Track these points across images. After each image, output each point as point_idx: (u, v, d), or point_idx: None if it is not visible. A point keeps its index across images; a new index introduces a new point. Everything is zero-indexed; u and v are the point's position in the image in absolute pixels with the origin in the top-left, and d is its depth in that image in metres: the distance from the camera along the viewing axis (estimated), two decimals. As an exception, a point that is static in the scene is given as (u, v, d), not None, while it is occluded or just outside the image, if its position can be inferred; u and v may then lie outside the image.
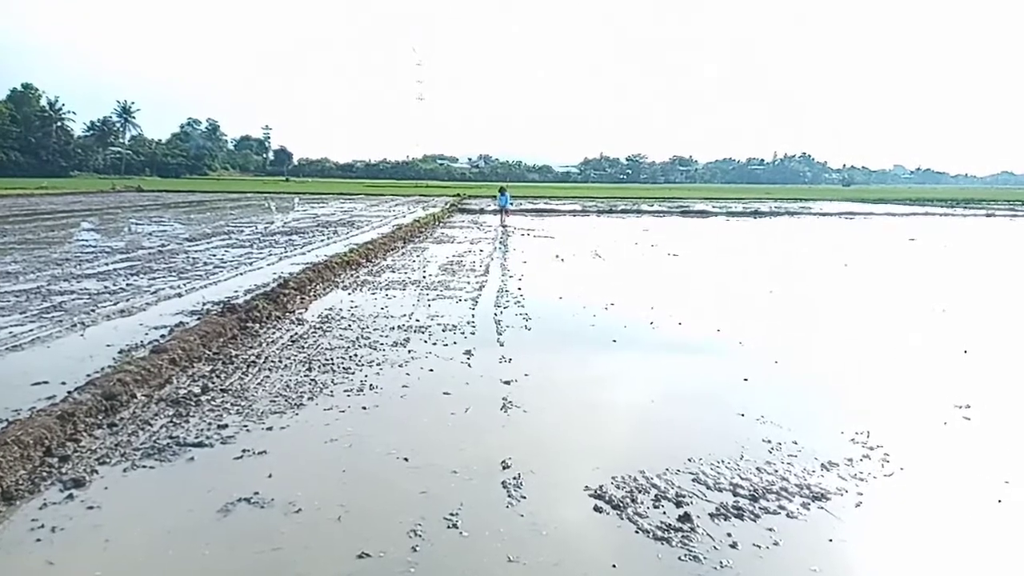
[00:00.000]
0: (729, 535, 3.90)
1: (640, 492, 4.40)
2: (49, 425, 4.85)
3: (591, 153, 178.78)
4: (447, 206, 38.54)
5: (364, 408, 5.89)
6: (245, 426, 5.39)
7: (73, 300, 10.03)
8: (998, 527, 4.20)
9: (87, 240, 19.04)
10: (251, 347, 7.73)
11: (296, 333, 8.47)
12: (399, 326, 8.96)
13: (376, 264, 15.14)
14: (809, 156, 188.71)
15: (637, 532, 3.95)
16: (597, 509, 4.21)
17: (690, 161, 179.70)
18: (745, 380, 6.92)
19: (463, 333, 8.65)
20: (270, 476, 4.55)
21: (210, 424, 5.40)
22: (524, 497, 4.32)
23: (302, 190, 64.62)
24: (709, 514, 4.14)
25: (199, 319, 8.62)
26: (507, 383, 6.62)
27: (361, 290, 11.74)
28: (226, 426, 5.37)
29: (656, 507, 4.23)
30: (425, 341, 8.22)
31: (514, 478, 4.56)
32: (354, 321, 9.24)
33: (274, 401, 5.97)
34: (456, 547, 3.76)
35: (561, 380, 6.92)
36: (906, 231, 28.39)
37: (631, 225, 29.47)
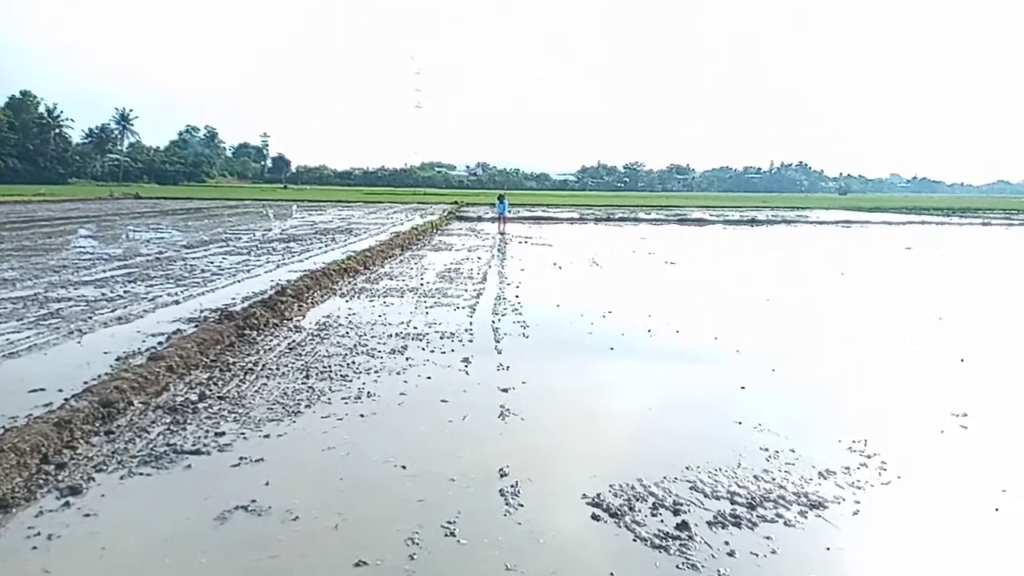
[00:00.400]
0: (727, 543, 3.90)
1: (638, 500, 4.40)
2: (46, 432, 4.84)
3: (589, 161, 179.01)
4: (445, 214, 38.58)
5: (362, 416, 5.89)
6: (242, 434, 5.38)
7: (70, 307, 10.02)
8: (995, 535, 4.21)
9: (85, 247, 19.02)
10: (248, 354, 7.72)
11: (294, 340, 8.46)
12: (397, 334, 8.96)
13: (374, 271, 15.14)
14: (806, 165, 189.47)
15: (635, 540, 3.95)
16: (595, 517, 4.20)
17: (687, 169, 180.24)
18: (742, 388, 6.93)
19: (461, 341, 8.65)
20: (267, 484, 4.54)
21: (207, 432, 5.39)
22: (522, 505, 4.31)
23: (300, 197, 64.63)
24: (707, 522, 4.14)
25: (196, 326, 8.61)
26: (505, 391, 6.62)
27: (359, 297, 11.74)
28: (223, 434, 5.36)
29: (654, 515, 4.23)
30: (423, 349, 8.22)
31: (512, 486, 4.55)
32: (352, 328, 9.24)
33: (271, 409, 5.96)
34: (454, 555, 3.76)
35: (559, 388, 6.92)
36: (902, 240, 28.48)
37: (628, 233, 29.53)
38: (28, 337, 8.14)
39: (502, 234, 26.45)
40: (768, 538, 3.98)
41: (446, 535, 3.94)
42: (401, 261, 17.33)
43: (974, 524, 4.31)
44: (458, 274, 14.77)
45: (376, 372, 7.19)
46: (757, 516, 4.23)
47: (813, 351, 8.78)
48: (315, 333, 8.91)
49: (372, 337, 8.75)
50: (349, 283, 13.31)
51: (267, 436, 5.36)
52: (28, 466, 4.56)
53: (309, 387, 6.58)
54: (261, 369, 7.15)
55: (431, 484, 4.58)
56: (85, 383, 6.19)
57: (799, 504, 4.40)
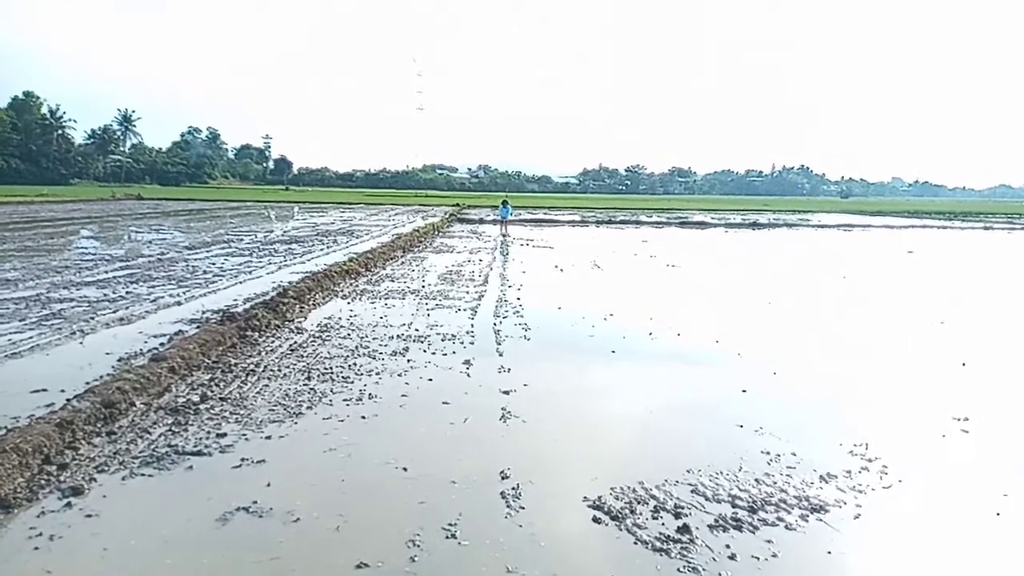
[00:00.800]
0: (728, 547, 3.90)
1: (639, 503, 4.40)
2: (48, 433, 4.85)
3: (590, 164, 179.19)
4: (446, 216, 38.61)
5: (363, 417, 5.89)
6: (244, 435, 5.39)
7: (72, 308, 10.03)
8: (997, 540, 4.20)
9: (87, 248, 19.05)
10: (250, 356, 7.73)
11: (295, 342, 8.47)
12: (398, 335, 8.97)
13: (375, 273, 15.15)
14: (807, 168, 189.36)
15: (636, 543, 3.95)
16: (596, 520, 4.21)
17: (689, 172, 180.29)
18: (744, 391, 6.93)
19: (462, 343, 8.66)
20: (269, 485, 4.55)
21: (209, 433, 5.40)
22: (523, 507, 4.32)
23: (302, 199, 64.69)
24: (708, 525, 4.14)
25: (198, 327, 8.63)
26: (506, 393, 6.62)
27: (360, 299, 11.75)
28: (225, 435, 5.37)
29: (655, 518, 4.23)
30: (424, 351, 8.23)
31: (513, 488, 4.56)
32: (353, 330, 9.24)
33: (273, 410, 5.96)
34: (455, 557, 3.76)
35: (560, 390, 6.92)
36: (904, 243, 28.47)
37: (630, 236, 29.53)
38: (30, 337, 8.16)
39: (504, 236, 26.49)
40: (769, 542, 3.98)
41: (447, 537, 3.94)
42: (403, 263, 17.34)
43: (975, 528, 4.31)
44: (459, 276, 14.77)
45: (377, 374, 7.20)
46: (758, 519, 4.23)
47: (815, 354, 8.78)
48: (317, 335, 8.92)
49: (374, 339, 8.76)
50: (351, 285, 13.32)
51: (269, 437, 5.37)
52: (30, 466, 4.57)
53: (311, 388, 6.59)
54: (263, 370, 7.15)
55: (432, 486, 4.58)
56: (87, 384, 6.20)
57: (800, 508, 4.40)
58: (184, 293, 11.59)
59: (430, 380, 7.05)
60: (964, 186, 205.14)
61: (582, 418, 6.10)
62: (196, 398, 6.18)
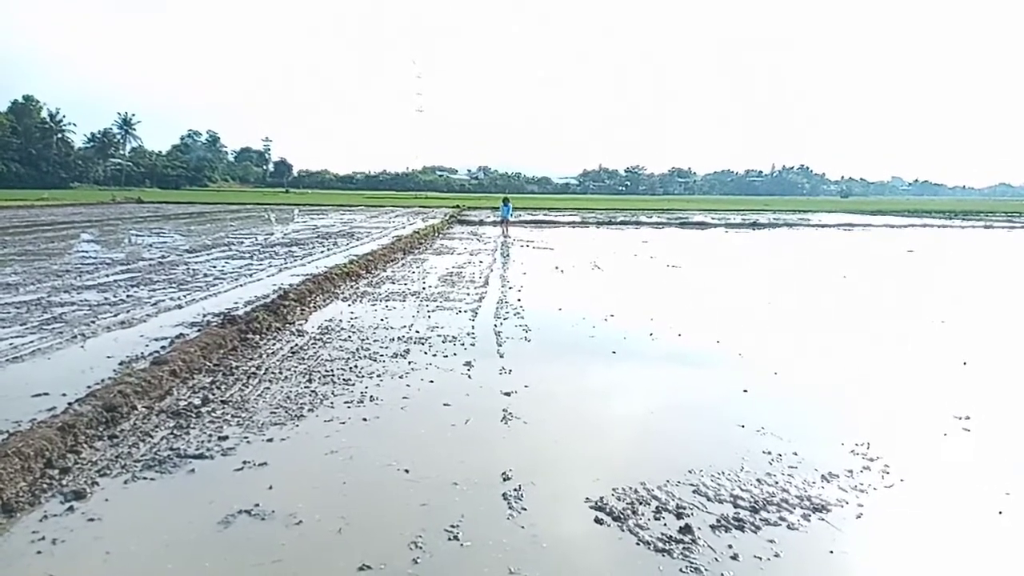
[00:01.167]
0: (730, 547, 3.90)
1: (641, 504, 4.41)
2: (50, 437, 4.85)
3: (590, 165, 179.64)
4: (447, 217, 38.63)
5: (364, 419, 5.89)
6: (245, 438, 5.39)
7: (73, 311, 10.04)
8: (999, 539, 4.20)
9: (87, 251, 19.06)
10: (251, 358, 7.73)
11: (296, 344, 8.47)
12: (399, 337, 8.97)
13: (376, 275, 15.16)
14: (807, 168, 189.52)
15: (638, 544, 3.95)
16: (598, 521, 4.21)
17: (688, 173, 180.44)
18: (745, 391, 6.93)
19: (463, 344, 8.66)
20: (270, 488, 4.55)
21: (210, 436, 5.40)
22: (525, 509, 4.32)
23: (302, 201, 64.75)
24: (710, 526, 4.14)
25: (199, 330, 8.63)
26: (507, 394, 6.63)
27: (361, 301, 11.75)
28: (226, 438, 5.37)
29: (657, 519, 4.23)
30: (425, 352, 8.23)
31: (515, 490, 4.56)
32: (354, 332, 9.25)
33: (274, 413, 5.97)
34: (457, 559, 3.76)
35: (561, 391, 6.92)
36: (904, 242, 28.46)
37: (630, 236, 29.54)
38: (31, 342, 8.16)
39: (505, 236, 26.51)
40: (771, 541, 3.98)
41: (449, 539, 3.94)
42: (403, 265, 17.35)
43: (977, 527, 4.31)
44: (460, 278, 14.78)
45: (379, 376, 7.20)
46: (760, 519, 4.23)
47: (815, 354, 8.78)
48: (317, 337, 8.92)
49: (374, 341, 8.76)
50: (351, 287, 13.33)
51: (270, 440, 5.37)
52: (32, 470, 4.57)
53: (312, 391, 6.59)
54: (264, 373, 7.16)
55: (434, 488, 4.58)
56: (88, 387, 6.20)
57: (802, 507, 4.40)
58: (185, 296, 11.60)
59: (431, 382, 7.05)
60: (964, 185, 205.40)
61: (583, 419, 6.10)
62: (197, 401, 6.18)
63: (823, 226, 39.97)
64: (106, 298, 11.22)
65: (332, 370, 7.34)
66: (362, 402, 6.33)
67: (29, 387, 6.39)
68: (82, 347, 8.07)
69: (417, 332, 9.30)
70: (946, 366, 8.24)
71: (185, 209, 45.73)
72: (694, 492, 4.59)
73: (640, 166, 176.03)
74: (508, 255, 20.33)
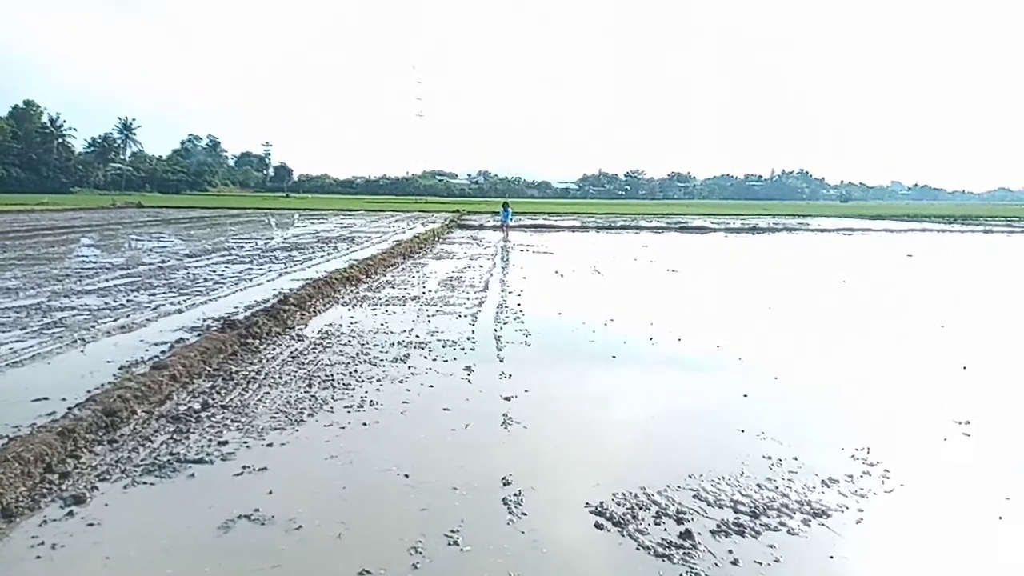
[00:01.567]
0: (730, 552, 3.90)
1: (641, 509, 4.40)
2: (49, 441, 4.86)
3: (590, 169, 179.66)
4: (446, 222, 38.63)
5: (364, 424, 5.89)
6: (245, 442, 5.39)
7: (73, 316, 10.05)
8: (999, 544, 4.20)
9: (87, 256, 19.08)
10: (251, 363, 7.73)
11: (296, 349, 8.48)
12: (399, 342, 8.98)
13: (376, 280, 15.17)
14: (807, 172, 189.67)
15: (638, 549, 3.94)
16: (598, 526, 4.20)
17: (688, 177, 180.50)
18: (745, 396, 6.93)
19: (463, 349, 8.66)
20: (270, 493, 4.55)
21: (210, 440, 5.40)
22: (525, 514, 4.31)
23: (302, 206, 64.81)
24: (710, 531, 4.14)
25: (199, 335, 8.64)
26: (507, 399, 6.63)
27: (361, 306, 11.76)
28: (226, 442, 5.37)
29: (657, 524, 4.22)
30: (425, 357, 8.23)
31: (515, 495, 4.56)
32: (354, 337, 9.25)
33: (274, 417, 5.97)
34: (457, 564, 3.76)
35: (561, 396, 6.92)
36: (904, 247, 28.48)
37: (630, 241, 29.56)
38: (31, 346, 8.16)
39: (505, 240, 26.55)
40: (772, 547, 3.97)
41: (449, 544, 3.94)
42: (403, 269, 17.36)
43: (978, 532, 4.31)
44: (460, 282, 14.79)
45: (378, 380, 7.20)
46: (760, 525, 4.23)
47: (815, 359, 8.78)
48: (317, 342, 8.92)
49: (374, 345, 8.76)
50: (351, 291, 13.33)
51: (270, 445, 5.37)
52: (32, 475, 4.57)
53: (312, 396, 6.59)
54: (264, 378, 7.16)
55: (434, 493, 4.58)
56: (88, 392, 6.20)
57: (802, 512, 4.40)
58: (185, 301, 11.60)
59: (431, 386, 7.05)
60: (963, 189, 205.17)
61: (583, 424, 6.09)
62: (197, 406, 6.18)
63: (822, 230, 40.00)
64: (106, 303, 11.23)
65: (332, 375, 7.34)
66: (362, 407, 6.33)
67: (29, 392, 6.39)
68: (82, 352, 8.07)
69: (417, 337, 9.31)
70: (946, 371, 8.24)
71: (185, 213, 45.75)
72: (694, 497, 4.59)
73: (640, 171, 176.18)
74: (508, 259, 20.34)
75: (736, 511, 4.39)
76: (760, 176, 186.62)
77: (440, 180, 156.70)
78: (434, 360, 8.09)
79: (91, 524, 4.12)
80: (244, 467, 4.94)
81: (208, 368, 7.34)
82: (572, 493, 4.63)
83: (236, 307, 11.03)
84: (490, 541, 3.98)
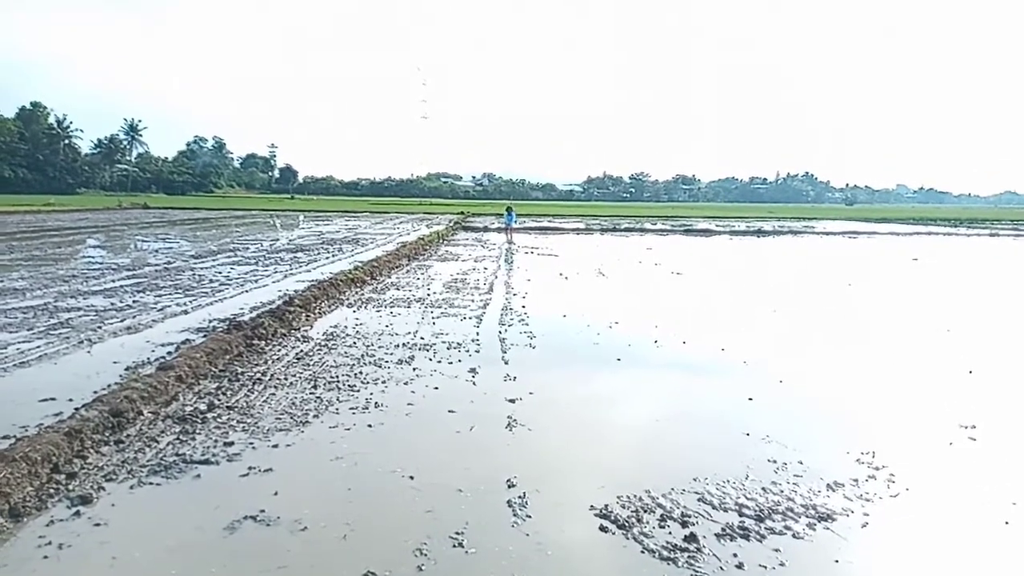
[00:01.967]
0: (735, 555, 3.90)
1: (646, 512, 4.40)
2: (56, 442, 4.88)
3: (594, 172, 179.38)
4: (451, 224, 38.68)
5: (369, 426, 5.91)
6: (251, 443, 5.41)
7: (80, 317, 10.09)
8: (1005, 548, 4.18)
9: (94, 257, 19.15)
10: (257, 364, 7.76)
11: (301, 350, 8.50)
12: (404, 344, 8.99)
13: (381, 282, 15.20)
14: (812, 175, 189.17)
15: (643, 552, 3.94)
16: (603, 528, 4.21)
17: (693, 180, 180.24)
18: (750, 399, 6.92)
19: (468, 351, 8.67)
20: (276, 494, 4.56)
21: (216, 441, 5.42)
22: (529, 516, 4.32)
23: (307, 208, 64.96)
24: (715, 534, 4.14)
25: (205, 336, 8.66)
26: (512, 401, 6.63)
27: (366, 308, 11.78)
28: (232, 443, 5.39)
29: (662, 527, 4.22)
30: (430, 359, 8.24)
31: (519, 497, 4.56)
32: (359, 339, 9.27)
33: (280, 418, 5.98)
34: (462, 565, 3.76)
35: (566, 398, 6.92)
36: (909, 250, 28.39)
37: (634, 243, 29.54)
38: (38, 347, 8.20)
39: (510, 243, 26.56)
40: (777, 550, 3.97)
41: (454, 545, 3.94)
42: (408, 271, 17.38)
43: (983, 537, 4.29)
44: (464, 284, 14.80)
45: (383, 382, 7.22)
46: (765, 528, 4.22)
47: (821, 362, 8.76)
48: (323, 343, 8.94)
49: (379, 347, 8.78)
50: (356, 293, 13.36)
51: (276, 446, 5.39)
52: (39, 475, 4.59)
53: (317, 397, 6.61)
54: (269, 379, 7.18)
55: (439, 494, 4.59)
56: (95, 392, 6.23)
57: (808, 516, 4.39)
58: (191, 302, 11.64)
59: (436, 388, 7.06)
60: (970, 193, 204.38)
61: (588, 426, 6.10)
62: (203, 407, 6.21)
63: (828, 234, 39.90)
64: (112, 303, 11.27)
65: (337, 376, 7.35)
66: (367, 408, 6.35)
67: (36, 392, 6.43)
68: (89, 352, 8.10)
69: (422, 339, 9.32)
70: (951, 375, 8.22)
71: (191, 215, 45.90)
72: (699, 500, 4.59)
73: (644, 173, 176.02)
74: (512, 262, 20.35)
75: (741, 515, 4.39)
76: (765, 179, 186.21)
77: (445, 182, 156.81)
78: (439, 362, 8.10)
79: (98, 524, 4.14)
80: (250, 468, 4.96)
81: (214, 369, 7.37)
82: (577, 496, 4.63)
83: (242, 308, 11.07)
84: (495, 543, 3.98)
